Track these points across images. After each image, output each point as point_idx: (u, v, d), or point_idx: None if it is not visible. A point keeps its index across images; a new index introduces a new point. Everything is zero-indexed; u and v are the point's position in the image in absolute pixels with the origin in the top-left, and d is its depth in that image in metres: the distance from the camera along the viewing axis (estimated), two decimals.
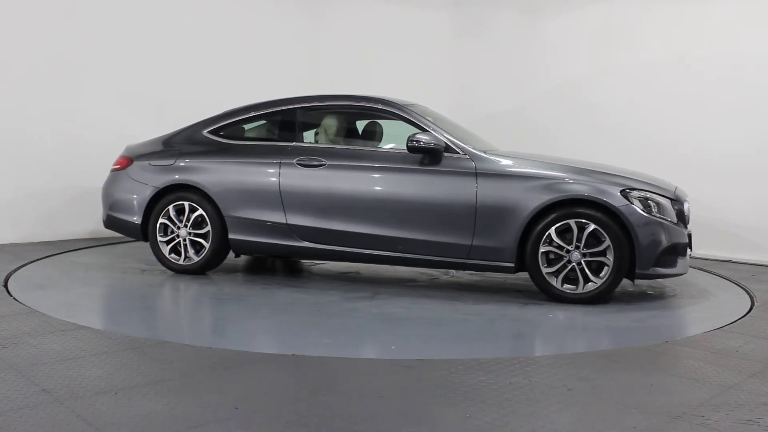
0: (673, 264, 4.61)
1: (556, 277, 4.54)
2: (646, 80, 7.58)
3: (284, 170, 5.03)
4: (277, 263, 6.09)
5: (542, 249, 4.52)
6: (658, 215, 4.52)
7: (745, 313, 4.48)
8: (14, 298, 4.38)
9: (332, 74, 8.59)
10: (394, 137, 5.28)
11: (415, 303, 4.55)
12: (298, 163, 5.01)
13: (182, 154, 5.34)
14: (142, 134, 6.03)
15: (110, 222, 5.64)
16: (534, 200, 4.50)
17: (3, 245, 6.53)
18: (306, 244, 5.00)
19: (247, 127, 5.55)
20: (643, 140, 7.52)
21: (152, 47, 7.47)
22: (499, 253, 4.61)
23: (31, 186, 6.87)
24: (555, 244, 4.51)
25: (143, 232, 5.37)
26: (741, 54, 6.86)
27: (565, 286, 4.54)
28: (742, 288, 5.36)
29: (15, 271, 5.29)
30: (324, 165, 4.95)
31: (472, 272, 5.69)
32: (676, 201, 4.73)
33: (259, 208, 5.06)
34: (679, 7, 7.33)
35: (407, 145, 4.73)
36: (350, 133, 5.50)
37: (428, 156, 4.75)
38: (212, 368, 3.08)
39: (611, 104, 7.89)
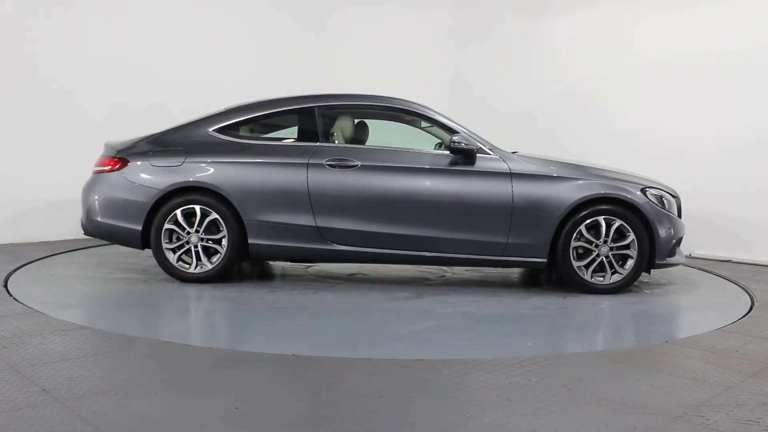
0: (676, 254, 5.06)
1: (586, 270, 4.83)
2: (646, 80, 7.59)
3: (313, 171, 4.85)
4: (243, 267, 5.80)
5: (573, 244, 4.79)
6: (670, 211, 4.98)
7: (745, 313, 4.48)
8: (14, 298, 4.37)
9: (331, 74, 8.59)
10: (391, 138, 5.26)
11: (469, 301, 4.65)
12: (327, 164, 4.86)
13: (190, 154, 4.94)
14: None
15: (95, 228, 5.10)
16: (567, 199, 4.78)
17: (3, 245, 6.53)
18: (337, 246, 4.86)
19: (262, 125, 5.29)
20: (644, 140, 7.52)
21: (150, 48, 7.47)
22: (533, 250, 4.83)
23: (31, 186, 6.86)
24: (584, 239, 4.81)
25: (143, 239, 4.93)
26: (742, 54, 6.85)
27: (594, 278, 4.85)
28: (742, 288, 5.36)
29: (15, 271, 5.29)
30: (357, 166, 4.86)
31: (470, 269, 5.76)
32: (676, 198, 5.20)
33: (284, 211, 4.84)
34: (679, 7, 7.33)
35: (450, 147, 4.85)
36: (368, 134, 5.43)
37: (463, 157, 4.87)
38: (212, 368, 3.08)
39: (612, 104, 7.89)
